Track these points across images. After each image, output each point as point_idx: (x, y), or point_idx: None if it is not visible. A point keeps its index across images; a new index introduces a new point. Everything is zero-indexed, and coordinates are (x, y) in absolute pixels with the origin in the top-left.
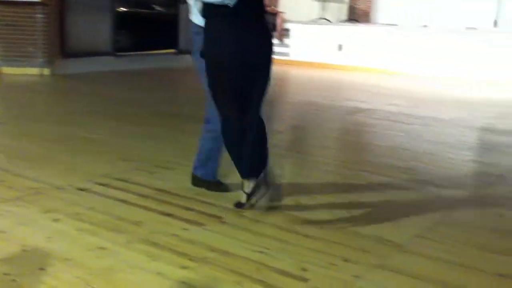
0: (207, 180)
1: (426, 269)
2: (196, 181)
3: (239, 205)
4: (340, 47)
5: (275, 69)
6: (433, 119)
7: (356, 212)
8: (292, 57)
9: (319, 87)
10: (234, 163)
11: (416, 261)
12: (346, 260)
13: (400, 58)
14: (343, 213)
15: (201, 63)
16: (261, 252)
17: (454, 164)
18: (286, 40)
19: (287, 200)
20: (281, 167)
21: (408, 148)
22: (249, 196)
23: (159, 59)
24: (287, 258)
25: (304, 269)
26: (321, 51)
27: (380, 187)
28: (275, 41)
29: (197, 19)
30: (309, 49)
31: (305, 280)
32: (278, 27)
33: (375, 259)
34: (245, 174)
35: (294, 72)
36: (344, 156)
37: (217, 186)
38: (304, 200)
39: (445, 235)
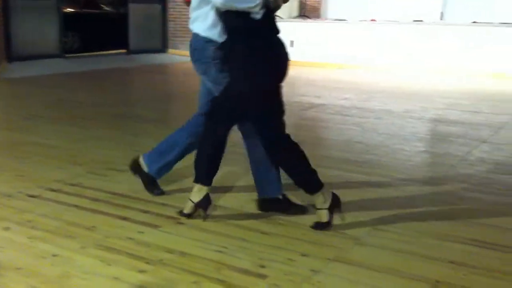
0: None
1: (384, 260)
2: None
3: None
4: (291, 43)
5: None
6: (385, 111)
7: (311, 207)
8: None
9: None
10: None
11: (374, 253)
12: (304, 255)
13: (351, 52)
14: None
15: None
16: (219, 251)
17: (408, 155)
18: None
19: (244, 198)
20: (239, 165)
21: (362, 141)
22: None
23: (109, 59)
24: (245, 256)
25: (262, 266)
26: None
27: (336, 181)
28: None
29: (209, 31)
30: None
31: (263, 277)
32: None
33: (332, 252)
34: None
35: None
36: None
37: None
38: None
39: (402, 226)
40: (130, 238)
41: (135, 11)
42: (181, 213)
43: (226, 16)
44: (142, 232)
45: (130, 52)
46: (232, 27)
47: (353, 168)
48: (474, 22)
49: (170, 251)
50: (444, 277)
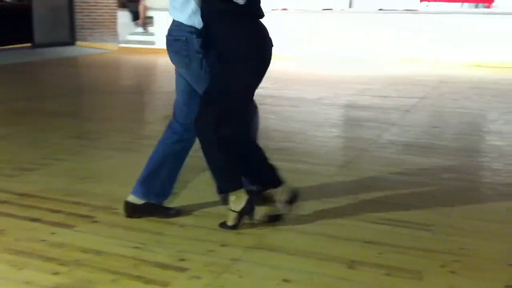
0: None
1: (301, 243)
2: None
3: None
4: None
5: (140, 58)
6: (300, 99)
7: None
8: (159, 45)
9: None
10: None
11: (292, 238)
12: (223, 245)
13: None
14: (218, 199)
15: (201, 67)
16: (136, 247)
17: (323, 141)
18: (150, 28)
19: None
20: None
21: (278, 129)
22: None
23: (12, 54)
24: (164, 250)
25: (182, 259)
26: None
27: None
28: (139, 29)
29: (191, 19)
30: None
31: (183, 270)
32: (141, 15)
33: (251, 240)
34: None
35: (162, 60)
36: None
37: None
38: (178, 189)
39: (318, 210)
40: (43, 240)
41: (39, 2)
42: (223, 225)
43: (209, 2)
44: (55, 233)
45: (35, 45)
46: (214, 12)
47: (272, 155)
48: (380, 9)
49: (85, 250)
50: (359, 256)
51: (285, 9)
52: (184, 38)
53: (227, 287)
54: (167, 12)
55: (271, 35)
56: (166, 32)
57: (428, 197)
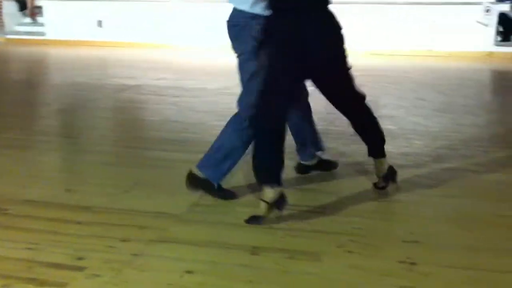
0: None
1: (203, 234)
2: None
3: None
4: (100, 23)
5: (30, 50)
6: (201, 89)
7: (132, 190)
8: (49, 36)
9: (81, 66)
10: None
11: (195, 229)
12: (124, 240)
13: (163, 31)
14: (117, 194)
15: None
16: (29, 248)
17: None
18: (39, 19)
19: (56, 189)
20: (50, 155)
21: (179, 120)
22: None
23: None
24: (59, 250)
25: (80, 258)
26: (80, 28)
27: (155, 161)
28: (27, 19)
29: (253, 8)
30: (67, 26)
31: (81, 269)
32: (29, 5)
33: (153, 234)
34: None
35: (53, 52)
36: (115, 135)
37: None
38: (76, 186)
39: (220, 199)
40: None
41: None
42: (251, 220)
43: None
44: None
45: None
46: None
47: (172, 147)
48: None
49: None
50: (262, 242)
51: None
52: (243, 23)
53: (129, 283)
54: (56, 1)
55: (171, 25)
56: (56, 22)
57: (324, 181)
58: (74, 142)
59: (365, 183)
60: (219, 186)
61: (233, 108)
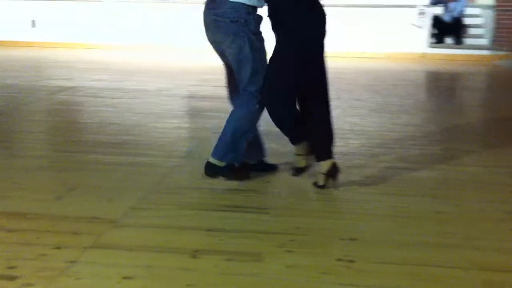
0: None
1: (142, 238)
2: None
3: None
4: (33, 23)
5: None
6: (140, 90)
7: (67, 196)
8: None
9: (15, 67)
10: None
11: (133, 233)
12: (58, 248)
13: (100, 31)
14: (51, 199)
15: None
16: None
17: (164, 132)
18: None
19: None
20: None
21: (117, 122)
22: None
23: None
24: None
25: (11, 267)
26: (12, 28)
27: (92, 165)
28: None
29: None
30: None
31: (13, 278)
32: None
33: (88, 240)
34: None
35: None
36: (50, 139)
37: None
38: (7, 192)
39: (159, 202)
40: None
41: None
42: (316, 185)
43: None
44: None
45: None
46: None
47: (109, 150)
48: None
49: None
50: (202, 245)
51: None
52: (243, 20)
53: None
54: None
55: (110, 25)
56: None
57: (265, 181)
58: (7, 147)
59: (305, 183)
60: (238, 167)
61: (173, 109)
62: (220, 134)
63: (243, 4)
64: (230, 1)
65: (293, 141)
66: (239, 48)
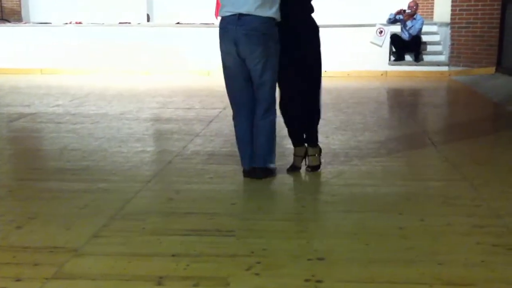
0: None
1: (105, 267)
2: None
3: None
4: None
5: None
6: (101, 115)
7: (26, 225)
8: None
9: None
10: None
11: (95, 262)
12: (18, 280)
13: (57, 56)
14: (10, 229)
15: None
16: None
17: (126, 157)
18: None
19: None
20: None
21: (78, 148)
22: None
23: None
24: None
25: None
26: None
27: (52, 193)
28: None
29: (277, 14)
30: None
31: None
32: None
33: (50, 271)
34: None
35: None
36: (9, 167)
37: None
38: None
39: (121, 229)
40: None
41: None
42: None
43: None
44: None
45: None
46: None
47: (70, 177)
48: (178, 23)
49: None
50: (167, 271)
51: (79, 23)
52: (271, 31)
53: None
54: None
55: (65, 49)
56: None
57: (229, 203)
58: None
59: (270, 203)
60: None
61: (136, 133)
62: (249, 143)
63: (274, 19)
64: (262, 16)
65: (296, 143)
66: (267, 57)
